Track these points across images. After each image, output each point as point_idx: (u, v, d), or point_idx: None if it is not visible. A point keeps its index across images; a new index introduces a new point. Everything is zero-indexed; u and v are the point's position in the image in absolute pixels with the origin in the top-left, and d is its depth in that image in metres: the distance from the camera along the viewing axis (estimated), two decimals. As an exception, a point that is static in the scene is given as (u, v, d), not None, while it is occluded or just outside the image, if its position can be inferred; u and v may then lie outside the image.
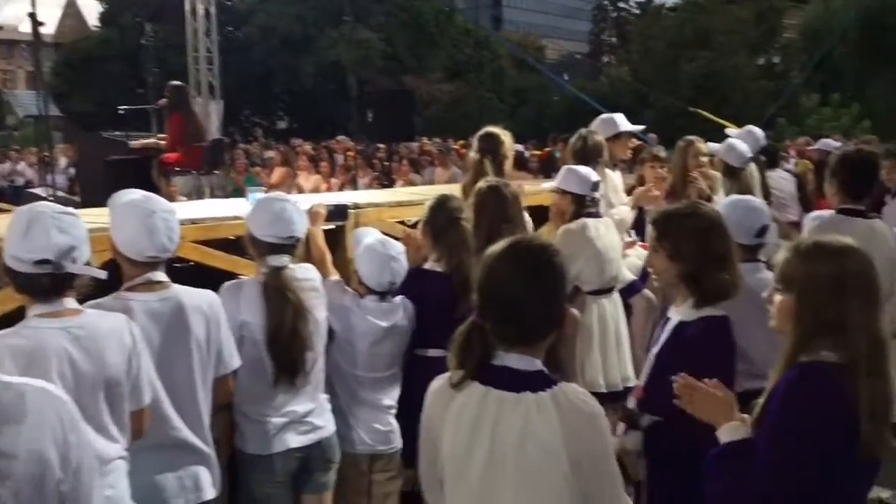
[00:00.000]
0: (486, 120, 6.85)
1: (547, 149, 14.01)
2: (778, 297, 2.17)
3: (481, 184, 3.91)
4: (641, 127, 5.92)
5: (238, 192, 10.00)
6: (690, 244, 2.66)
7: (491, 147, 4.53)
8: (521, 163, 8.37)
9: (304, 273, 3.10)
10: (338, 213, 3.91)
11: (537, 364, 1.91)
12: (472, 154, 4.66)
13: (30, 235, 2.15)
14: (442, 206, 3.56)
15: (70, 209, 2.32)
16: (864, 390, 1.98)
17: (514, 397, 1.86)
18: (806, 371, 2.05)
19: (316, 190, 9.80)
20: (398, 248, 3.41)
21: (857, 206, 4.00)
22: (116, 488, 2.29)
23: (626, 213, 5.11)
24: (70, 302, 2.24)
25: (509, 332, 1.90)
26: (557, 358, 4.29)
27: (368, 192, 7.95)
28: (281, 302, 2.94)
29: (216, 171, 10.19)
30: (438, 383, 1.99)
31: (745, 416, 2.17)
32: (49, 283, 2.18)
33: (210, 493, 2.72)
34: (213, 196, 10.15)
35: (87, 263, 2.25)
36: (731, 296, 2.65)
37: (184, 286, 2.71)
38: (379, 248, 3.34)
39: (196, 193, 9.80)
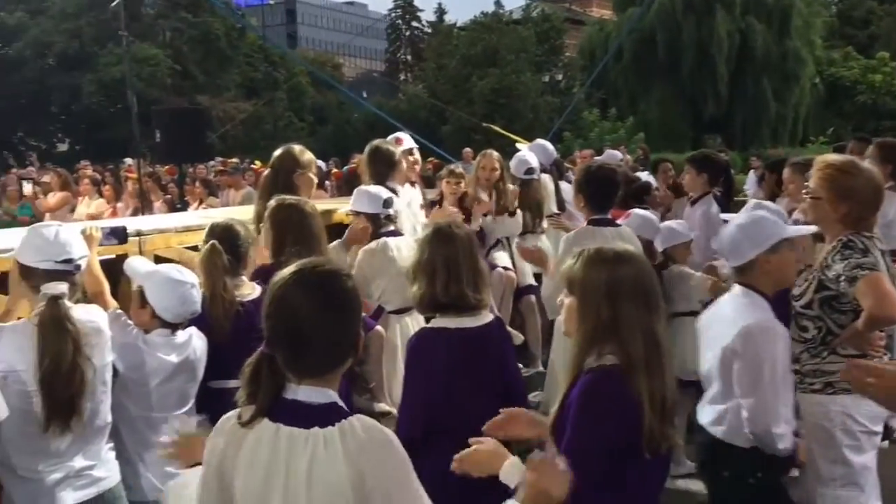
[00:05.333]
0: (285, 139, 6.70)
1: (345, 167, 13.96)
2: (567, 301, 2.25)
3: (272, 202, 3.76)
4: (415, 146, 6.01)
5: (12, 223, 9.10)
6: None
7: (285, 164, 4.39)
8: (319, 181, 8.27)
9: (86, 314, 2.80)
10: (115, 236, 3.59)
11: (330, 395, 1.81)
12: (266, 173, 4.51)
13: None
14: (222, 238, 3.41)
15: None
16: (645, 388, 2.08)
17: (304, 434, 1.75)
18: (595, 376, 2.12)
19: (99, 216, 9.10)
20: (192, 275, 3.19)
21: (604, 215, 4.40)
22: None
23: None
24: None
25: (299, 363, 1.79)
26: (364, 379, 4.23)
27: (155, 217, 7.49)
28: (58, 335, 2.63)
29: (-18, 200, 9.23)
30: (228, 421, 1.84)
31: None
32: None
33: None
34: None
35: None
36: None
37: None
38: (177, 276, 3.10)
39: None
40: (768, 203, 4.46)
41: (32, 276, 2.74)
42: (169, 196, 10.77)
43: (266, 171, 4.50)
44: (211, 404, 3.17)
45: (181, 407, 3.14)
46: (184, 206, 9.96)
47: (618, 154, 10.30)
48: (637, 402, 2.07)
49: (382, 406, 4.31)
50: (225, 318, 3.31)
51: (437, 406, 2.78)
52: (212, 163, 15.78)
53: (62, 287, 2.72)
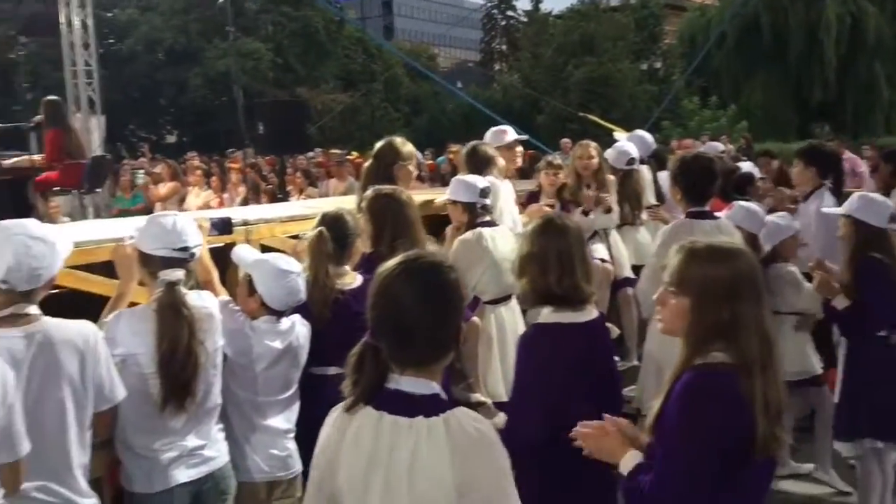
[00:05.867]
0: (381, 130, 6.79)
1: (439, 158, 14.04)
2: (672, 301, 2.17)
3: (369, 192, 3.83)
4: (524, 137, 5.97)
5: (126, 213, 9.57)
6: None
7: (386, 155, 4.46)
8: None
9: (199, 300, 2.93)
10: (221, 226, 3.73)
11: (433, 387, 1.83)
12: (368, 163, 4.60)
13: None
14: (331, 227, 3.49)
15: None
16: (758, 389, 2.01)
17: (407, 423, 1.78)
18: (701, 374, 2.06)
19: (207, 206, 9.47)
20: (298, 265, 3.29)
21: (702, 207, 4.23)
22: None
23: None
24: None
25: (403, 354, 1.82)
26: (463, 371, 4.26)
27: (260, 207, 7.73)
28: (175, 319, 2.76)
29: (98, 190, 9.72)
30: (335, 410, 1.89)
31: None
32: None
33: None
34: (97, 216, 9.70)
35: None
36: None
37: (56, 319, 2.50)
38: (284, 266, 3.20)
39: (79, 213, 9.33)
40: (874, 195, 4.25)
41: (151, 263, 2.87)
42: (270, 186, 11.11)
43: (368, 162, 4.58)
44: (312, 389, 3.29)
45: (285, 391, 3.25)
46: (285, 196, 10.25)
47: (719, 145, 9.99)
48: (748, 403, 2.00)
49: (478, 396, 4.33)
50: (323, 305, 3.40)
51: (556, 405, 2.66)
52: (311, 154, 16.16)
53: (179, 274, 2.84)
